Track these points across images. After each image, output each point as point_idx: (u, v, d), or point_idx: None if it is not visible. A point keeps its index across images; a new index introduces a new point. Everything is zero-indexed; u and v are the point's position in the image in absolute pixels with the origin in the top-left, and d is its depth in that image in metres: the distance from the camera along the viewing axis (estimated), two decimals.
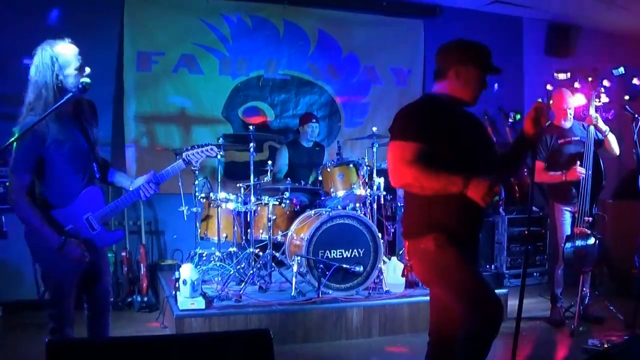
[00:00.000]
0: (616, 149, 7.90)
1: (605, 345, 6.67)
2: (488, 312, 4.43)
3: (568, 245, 7.65)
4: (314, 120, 9.72)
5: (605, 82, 8.04)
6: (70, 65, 4.69)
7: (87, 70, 4.76)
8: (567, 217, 7.97)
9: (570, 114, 7.98)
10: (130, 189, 5.11)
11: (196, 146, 5.45)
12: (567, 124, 8.00)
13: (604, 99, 8.01)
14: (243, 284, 7.77)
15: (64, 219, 4.70)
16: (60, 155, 4.63)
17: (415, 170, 4.29)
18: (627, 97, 9.09)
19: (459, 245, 4.44)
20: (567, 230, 7.89)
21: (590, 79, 7.96)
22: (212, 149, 5.46)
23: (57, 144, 4.60)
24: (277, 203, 8.43)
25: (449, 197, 4.26)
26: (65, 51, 4.74)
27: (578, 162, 7.67)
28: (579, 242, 7.60)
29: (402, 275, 8.02)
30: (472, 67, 4.70)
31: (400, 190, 6.97)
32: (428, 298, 7.39)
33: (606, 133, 7.75)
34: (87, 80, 4.61)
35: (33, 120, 4.45)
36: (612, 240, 9.23)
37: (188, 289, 7.07)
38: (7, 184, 4.80)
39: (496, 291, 8.07)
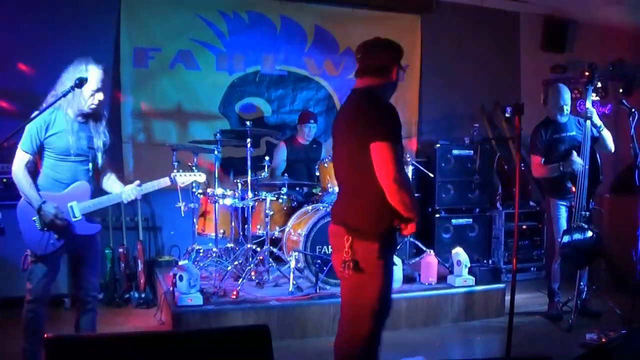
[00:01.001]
0: (611, 146, 7.89)
1: (603, 340, 6.70)
2: None
3: (565, 239, 7.66)
4: (312, 121, 9.71)
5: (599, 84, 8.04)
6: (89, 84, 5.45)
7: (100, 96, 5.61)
8: (563, 212, 7.98)
9: (567, 109, 7.98)
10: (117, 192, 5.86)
11: (186, 172, 6.49)
12: (563, 119, 8.00)
13: (601, 93, 8.01)
14: (240, 279, 7.75)
15: (50, 200, 5.40)
16: (58, 147, 5.43)
17: (405, 175, 4.71)
18: (621, 90, 9.13)
19: None
20: (564, 225, 7.91)
21: (586, 73, 7.96)
22: (200, 176, 6.60)
23: (57, 136, 5.41)
24: (274, 199, 8.43)
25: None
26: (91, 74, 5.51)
27: (575, 152, 7.68)
28: (575, 237, 7.61)
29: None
30: (399, 68, 4.93)
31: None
32: (425, 293, 7.43)
33: (601, 129, 7.76)
34: (84, 76, 5.33)
35: (41, 110, 5.32)
36: (609, 235, 9.23)
37: (185, 285, 7.06)
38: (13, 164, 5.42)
39: (494, 286, 8.17)
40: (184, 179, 6.39)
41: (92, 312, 5.85)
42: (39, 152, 5.46)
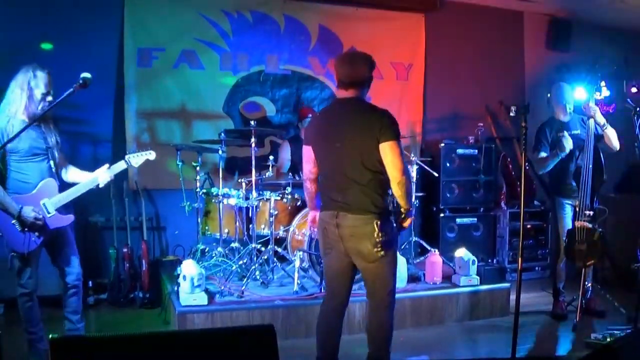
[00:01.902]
0: (616, 144, 7.86)
1: (608, 339, 6.68)
2: None
3: (569, 238, 7.66)
4: (310, 116, 9.65)
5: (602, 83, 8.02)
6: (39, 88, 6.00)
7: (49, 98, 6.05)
8: (569, 211, 7.97)
9: (570, 108, 7.98)
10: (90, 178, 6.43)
11: (139, 152, 6.86)
12: (567, 118, 8.00)
13: (605, 92, 7.99)
14: (245, 279, 7.74)
15: (23, 203, 5.89)
16: (20, 150, 5.94)
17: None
18: (634, 90, 9.11)
19: None
20: (569, 224, 7.89)
21: (591, 72, 7.96)
22: (150, 154, 6.89)
23: (17, 140, 5.77)
24: (278, 198, 8.42)
25: None
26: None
27: (565, 133, 7.69)
28: (580, 236, 7.60)
29: None
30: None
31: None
32: (430, 293, 7.43)
33: (605, 127, 7.74)
34: (88, 75, 5.60)
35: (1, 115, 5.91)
36: (614, 234, 9.22)
37: (188, 285, 7.06)
38: None
39: (498, 285, 8.15)
40: (137, 159, 6.79)
41: (79, 294, 6.49)
42: (2, 159, 6.04)
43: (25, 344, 6.27)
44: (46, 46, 8.81)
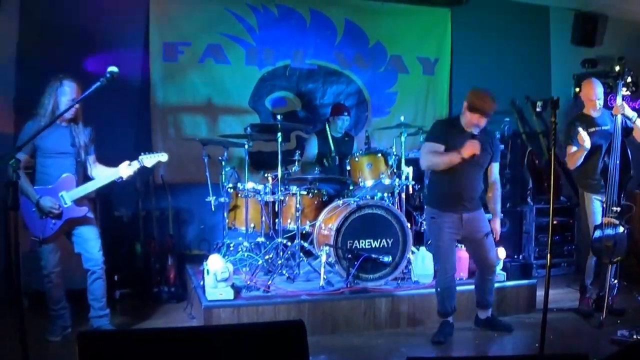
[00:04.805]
0: None
1: (635, 337, 6.62)
2: None
3: (597, 234, 7.61)
4: (346, 114, 9.69)
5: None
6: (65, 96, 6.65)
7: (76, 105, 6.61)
8: (598, 206, 7.89)
9: (600, 104, 7.91)
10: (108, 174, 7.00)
11: (152, 154, 7.18)
12: (597, 114, 7.94)
13: (632, 87, 7.93)
14: (271, 274, 7.78)
15: (44, 193, 6.59)
16: (46, 148, 6.68)
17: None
18: None
19: None
20: (598, 220, 7.82)
21: (617, 68, 7.90)
22: (163, 156, 7.20)
23: (45, 139, 6.55)
24: (305, 193, 8.42)
25: None
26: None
27: (580, 129, 7.61)
28: (607, 232, 7.55)
29: None
30: None
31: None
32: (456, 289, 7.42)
33: (634, 119, 7.66)
34: (115, 69, 5.79)
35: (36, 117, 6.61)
36: None
37: (215, 280, 7.06)
38: None
39: (525, 281, 8.11)
40: (149, 160, 7.11)
41: (100, 280, 6.95)
42: (32, 153, 6.68)
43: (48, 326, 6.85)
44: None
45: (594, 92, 7.87)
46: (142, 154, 7.11)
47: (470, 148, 6.69)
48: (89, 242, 6.90)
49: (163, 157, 7.19)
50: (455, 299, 7.26)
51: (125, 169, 6.94)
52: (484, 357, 7.06)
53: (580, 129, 7.59)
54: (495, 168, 7.32)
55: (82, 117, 6.93)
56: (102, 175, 6.99)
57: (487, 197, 7.35)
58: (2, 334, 6.11)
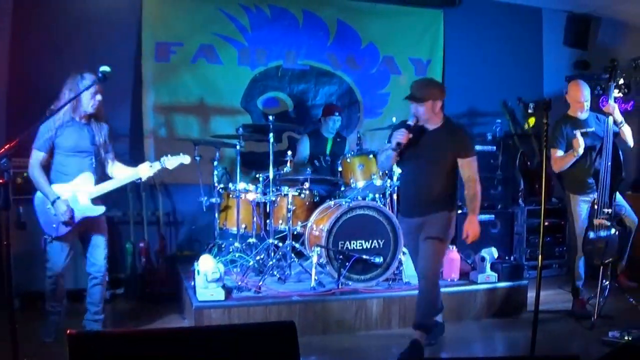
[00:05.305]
0: (630, 141, 7.82)
1: (626, 337, 6.63)
2: None
3: (589, 235, 7.62)
4: (337, 114, 9.67)
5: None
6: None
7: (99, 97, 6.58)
8: (584, 208, 7.90)
9: (587, 106, 7.91)
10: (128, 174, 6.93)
11: (174, 156, 7.06)
12: (583, 116, 7.93)
13: (624, 89, 7.95)
14: (262, 275, 7.77)
15: (60, 190, 6.46)
16: (65, 145, 6.48)
17: None
18: None
19: None
20: (585, 222, 7.83)
21: (609, 69, 7.91)
22: (185, 157, 7.13)
23: (65, 136, 6.45)
24: (296, 194, 8.42)
25: None
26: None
27: (577, 133, 7.61)
28: (598, 234, 7.56)
29: None
30: None
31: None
32: (448, 290, 7.44)
33: (622, 125, 7.69)
34: (107, 69, 5.78)
35: (53, 112, 6.26)
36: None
37: (206, 280, 7.05)
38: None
39: (516, 283, 8.11)
40: (171, 162, 6.99)
41: (100, 286, 6.88)
42: (50, 151, 6.48)
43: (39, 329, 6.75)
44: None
45: (582, 93, 7.86)
46: (164, 155, 7.01)
47: (397, 137, 6.59)
48: (97, 249, 6.81)
49: (186, 159, 7.11)
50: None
51: (146, 170, 6.88)
52: (476, 359, 7.07)
53: (578, 134, 7.60)
54: (466, 164, 6.73)
55: (103, 113, 6.78)
56: (121, 174, 6.90)
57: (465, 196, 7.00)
58: None
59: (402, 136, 6.54)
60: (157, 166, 6.90)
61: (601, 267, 7.67)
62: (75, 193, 6.50)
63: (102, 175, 6.83)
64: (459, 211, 8.11)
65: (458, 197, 7.08)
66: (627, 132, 7.75)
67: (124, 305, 8.50)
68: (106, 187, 6.71)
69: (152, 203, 9.40)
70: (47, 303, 6.74)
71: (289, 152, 8.59)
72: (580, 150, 7.56)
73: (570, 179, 8.03)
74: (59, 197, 6.37)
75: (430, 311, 6.60)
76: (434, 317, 6.72)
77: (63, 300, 6.82)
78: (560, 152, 7.86)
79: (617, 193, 7.73)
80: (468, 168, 6.73)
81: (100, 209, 6.67)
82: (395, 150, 6.60)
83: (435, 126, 6.69)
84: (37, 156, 6.43)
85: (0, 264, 4.69)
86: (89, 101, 6.47)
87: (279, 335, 3.25)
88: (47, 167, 6.55)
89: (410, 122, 6.66)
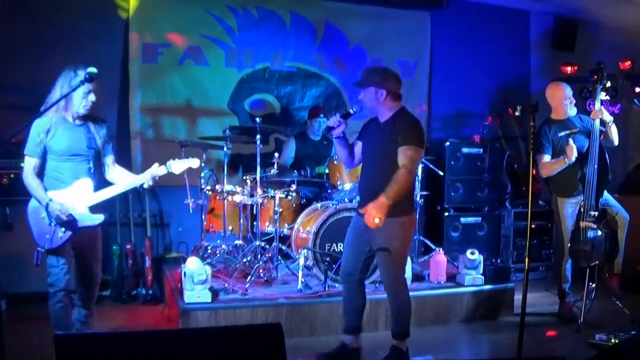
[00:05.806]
0: (615, 140, 7.83)
1: (613, 340, 6.64)
2: None
3: (575, 238, 7.63)
4: (322, 116, 9.62)
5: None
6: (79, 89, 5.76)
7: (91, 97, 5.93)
8: (570, 210, 7.91)
9: (567, 106, 7.92)
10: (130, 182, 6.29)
11: (181, 159, 6.56)
12: (565, 116, 7.94)
13: (611, 92, 7.95)
14: (249, 277, 7.73)
15: (56, 198, 5.77)
16: (58, 149, 5.83)
17: None
18: (638, 90, 9.06)
19: None
20: (571, 224, 7.84)
21: (596, 72, 7.92)
22: (194, 161, 6.64)
23: (57, 139, 5.80)
24: (283, 196, 8.40)
25: None
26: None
27: (571, 140, 7.62)
28: (585, 236, 7.57)
29: None
30: None
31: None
32: (434, 292, 7.41)
33: (609, 125, 7.70)
34: (94, 70, 5.61)
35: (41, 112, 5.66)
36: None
37: (193, 282, 7.04)
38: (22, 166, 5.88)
39: (503, 285, 8.10)
40: (178, 165, 6.51)
41: (92, 290, 6.30)
42: (43, 155, 5.83)
43: (28, 338, 6.37)
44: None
45: (565, 93, 7.88)
46: (170, 159, 6.50)
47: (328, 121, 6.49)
48: (92, 264, 6.17)
49: (194, 162, 6.64)
50: (350, 314, 6.72)
51: (152, 174, 6.28)
52: None
53: (571, 142, 7.60)
54: (401, 151, 6.01)
55: (99, 113, 6.22)
56: (122, 180, 6.27)
57: None
58: None
59: (332, 120, 6.40)
60: (162, 170, 6.33)
61: (587, 270, 7.68)
62: (73, 201, 5.87)
63: (101, 180, 6.25)
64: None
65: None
66: (613, 131, 7.75)
67: (110, 307, 8.47)
68: (106, 194, 6.10)
69: (139, 204, 9.38)
70: (56, 328, 5.89)
71: (276, 154, 8.57)
72: (573, 158, 7.56)
73: (556, 182, 8.03)
74: (51, 200, 5.70)
75: (405, 318, 6.42)
76: (409, 320, 6.47)
77: (70, 320, 6.07)
78: (547, 157, 7.86)
79: (606, 192, 7.73)
80: (402, 155, 6.00)
81: (99, 218, 6.10)
82: (332, 137, 6.54)
83: (385, 119, 6.35)
84: (28, 162, 5.80)
85: None
86: (81, 101, 5.85)
87: (266, 337, 3.25)
88: (41, 174, 5.92)
89: (352, 110, 6.49)
